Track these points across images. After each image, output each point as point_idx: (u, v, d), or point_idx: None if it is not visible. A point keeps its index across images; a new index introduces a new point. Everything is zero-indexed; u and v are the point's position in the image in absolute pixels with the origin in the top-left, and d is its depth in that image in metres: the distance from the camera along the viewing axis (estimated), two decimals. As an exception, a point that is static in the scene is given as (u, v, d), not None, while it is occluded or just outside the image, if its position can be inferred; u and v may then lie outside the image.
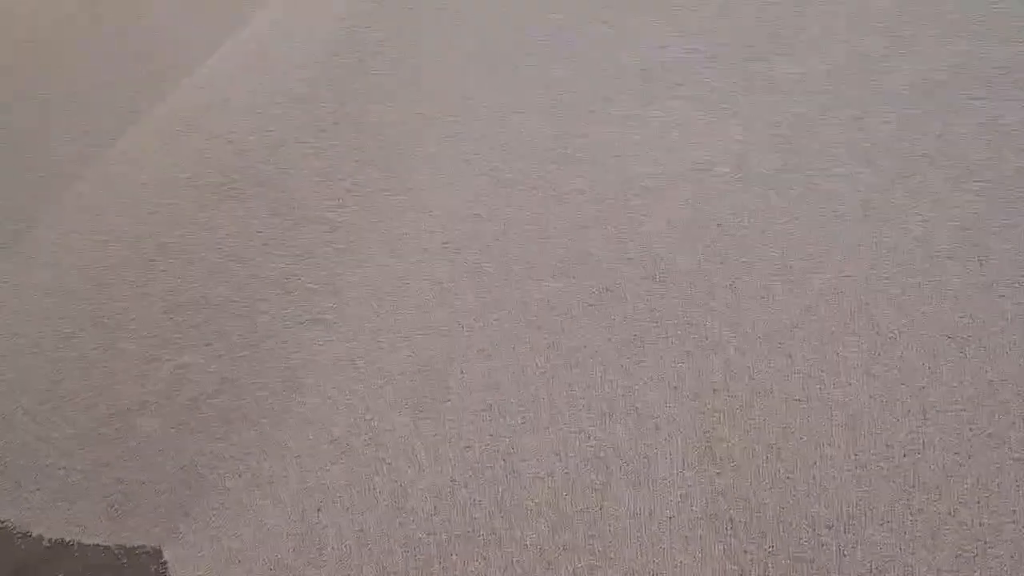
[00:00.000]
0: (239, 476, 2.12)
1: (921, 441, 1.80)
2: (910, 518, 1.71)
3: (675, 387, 2.01)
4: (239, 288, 2.47)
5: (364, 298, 2.36)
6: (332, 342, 2.30)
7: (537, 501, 1.89)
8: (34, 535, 2.14)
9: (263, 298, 2.43)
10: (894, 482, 1.76)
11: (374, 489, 1.99)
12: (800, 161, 2.38)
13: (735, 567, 1.72)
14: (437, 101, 2.83)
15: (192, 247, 2.56)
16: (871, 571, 1.67)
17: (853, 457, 1.81)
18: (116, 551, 2.09)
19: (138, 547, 2.08)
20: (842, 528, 1.73)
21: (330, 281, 2.43)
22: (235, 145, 2.76)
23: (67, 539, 2.11)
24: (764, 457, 1.85)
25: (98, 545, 2.11)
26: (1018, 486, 1.76)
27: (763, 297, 2.10)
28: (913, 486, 1.75)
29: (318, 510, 1.99)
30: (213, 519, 2.07)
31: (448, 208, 2.52)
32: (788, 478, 1.81)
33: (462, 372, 2.15)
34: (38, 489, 2.20)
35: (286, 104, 2.88)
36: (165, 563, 2.04)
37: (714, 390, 1.98)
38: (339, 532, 1.95)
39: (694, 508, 1.82)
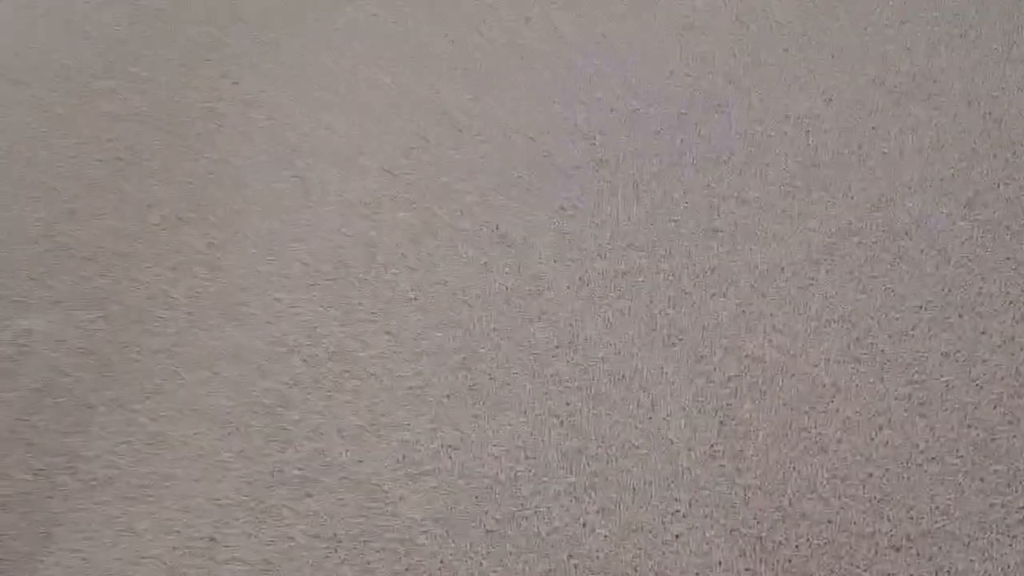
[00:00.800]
0: (110, 483, 1.67)
1: (1018, 417, 1.33)
2: (1011, 537, 1.26)
3: (672, 345, 1.51)
4: (86, 221, 1.89)
5: (251, 231, 1.80)
6: (218, 294, 1.79)
7: (498, 517, 1.43)
8: None
9: (124, 235, 1.84)
10: (985, 480, 1.30)
11: (281, 506, 1.50)
12: (826, 6, 1.78)
13: (771, 611, 1.28)
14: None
15: (22, 165, 1.95)
16: (959, 616, 1.24)
17: (925, 447, 1.33)
18: (-38, 588, 1.65)
19: (-10, 582, 1.64)
20: (915, 549, 1.27)
21: (209, 206, 1.85)
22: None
23: None
24: (800, 447, 1.39)
25: (-62, 581, 1.66)
26: None
27: (785, 212, 1.57)
28: (1009, 485, 1.29)
29: (211, 538, 1.52)
30: (85, 546, 1.62)
31: (370, 86, 1.92)
32: (836, 478, 1.35)
33: (387, 333, 1.64)
34: None
35: None
36: (27, 603, 1.62)
37: (725, 350, 1.50)
38: (242, 569, 1.47)
39: (710, 521, 1.36)
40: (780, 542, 1.33)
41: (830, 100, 1.70)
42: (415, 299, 1.67)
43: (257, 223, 1.85)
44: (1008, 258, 1.47)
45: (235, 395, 1.66)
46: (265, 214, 1.85)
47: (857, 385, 1.42)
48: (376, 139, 1.91)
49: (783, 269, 1.55)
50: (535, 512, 1.43)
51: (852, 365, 1.44)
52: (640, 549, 1.37)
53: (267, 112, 2.00)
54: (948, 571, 1.26)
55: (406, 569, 1.41)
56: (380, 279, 1.71)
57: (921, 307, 1.47)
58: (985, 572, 1.25)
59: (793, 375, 1.45)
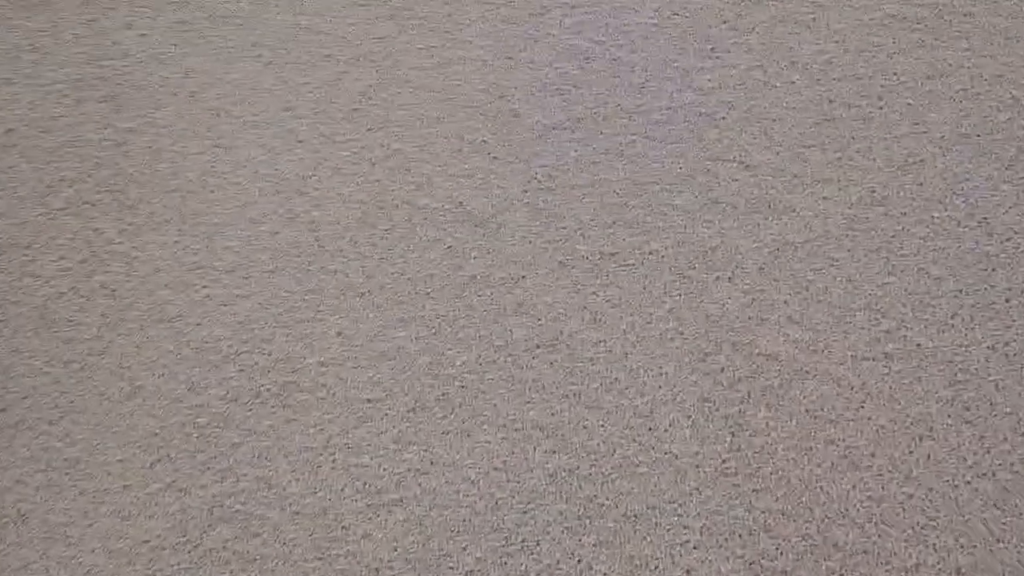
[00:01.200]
0: (24, 521, 1.47)
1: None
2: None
3: (671, 340, 1.37)
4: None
5: (171, 213, 1.66)
6: (136, 291, 1.61)
7: (479, 555, 1.29)
8: None
9: (22, 222, 1.70)
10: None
11: (222, 549, 1.36)
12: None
13: (801, 663, 1.14)
14: None
15: None
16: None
17: (973, 460, 1.19)
18: None
19: None
20: (965, 586, 1.13)
21: (121, 186, 1.70)
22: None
23: None
24: (827, 462, 1.25)
25: None
26: None
27: (796, 178, 1.43)
28: (1073, 507, 1.14)
29: (142, 587, 1.34)
30: (-5, 591, 1.47)
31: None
32: (871, 499, 1.21)
33: (338, 335, 1.50)
34: None
35: None
36: (-70, 662, 1.45)
37: (734, 346, 1.36)
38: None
39: (725, 553, 1.22)
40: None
41: (843, 41, 1.54)
42: (368, 292, 1.51)
43: (178, 204, 1.67)
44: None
45: (162, 413, 1.49)
46: (186, 193, 1.68)
47: (890, 387, 1.29)
48: (312, 98, 1.69)
49: (797, 248, 1.42)
50: (522, 547, 1.27)
51: (883, 363, 1.31)
52: (646, 588, 1.21)
53: (182, 69, 1.79)
54: (1006, 609, 1.12)
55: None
56: (326, 269, 1.54)
57: (961, 291, 1.34)
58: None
59: (814, 376, 1.32)
